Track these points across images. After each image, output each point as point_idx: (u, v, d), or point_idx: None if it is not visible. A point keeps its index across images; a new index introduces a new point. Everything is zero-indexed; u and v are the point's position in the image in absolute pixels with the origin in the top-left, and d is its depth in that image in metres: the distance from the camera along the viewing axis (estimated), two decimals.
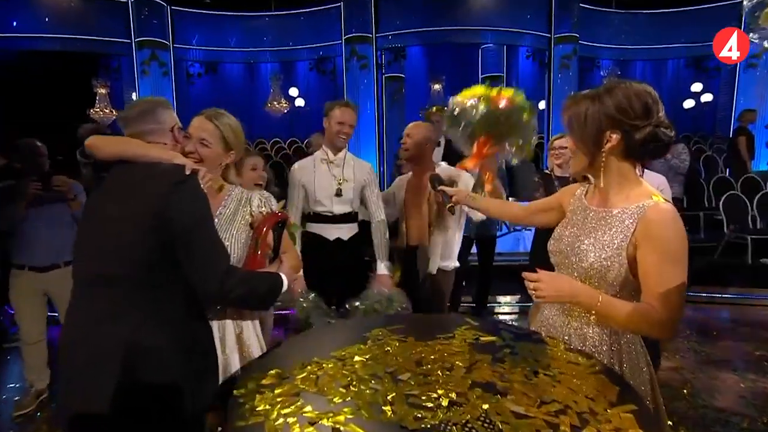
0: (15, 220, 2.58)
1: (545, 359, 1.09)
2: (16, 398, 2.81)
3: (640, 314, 1.08)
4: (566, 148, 2.63)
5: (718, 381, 2.93)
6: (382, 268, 2.45)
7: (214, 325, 1.43)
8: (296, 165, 2.54)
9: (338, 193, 2.42)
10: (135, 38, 7.07)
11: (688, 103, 10.10)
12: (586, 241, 1.18)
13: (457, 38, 7.67)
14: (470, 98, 1.88)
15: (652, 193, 1.13)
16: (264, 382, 1.02)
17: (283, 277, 1.37)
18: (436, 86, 10.13)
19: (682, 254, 1.07)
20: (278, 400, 0.94)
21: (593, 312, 1.14)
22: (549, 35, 7.54)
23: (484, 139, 1.87)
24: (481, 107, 1.83)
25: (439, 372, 1.03)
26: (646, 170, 2.76)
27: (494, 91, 1.87)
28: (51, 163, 2.72)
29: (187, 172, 1.21)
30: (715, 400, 2.69)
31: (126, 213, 1.16)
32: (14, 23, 6.73)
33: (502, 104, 1.83)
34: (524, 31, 7.54)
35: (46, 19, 6.83)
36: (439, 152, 4.28)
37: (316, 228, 2.49)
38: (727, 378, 2.96)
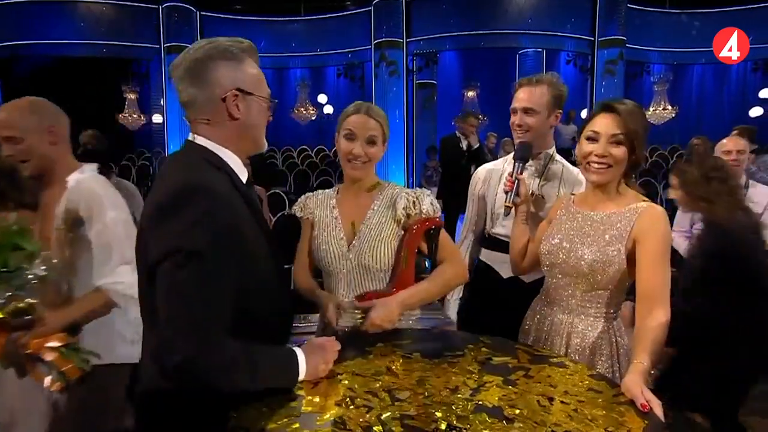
0: None
1: (564, 385, 1.02)
2: None
3: (661, 335, 1.20)
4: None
5: None
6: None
7: None
8: (481, 168, 1.91)
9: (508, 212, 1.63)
10: (164, 44, 7.42)
11: (755, 111, 9.49)
12: (585, 241, 1.33)
13: (493, 43, 7.62)
14: None
15: (642, 198, 1.34)
16: None
17: (300, 359, 0.99)
18: (470, 93, 10.07)
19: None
20: (262, 411, 0.93)
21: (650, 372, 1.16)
22: (592, 38, 7.36)
23: None
24: None
25: (441, 392, 0.98)
26: (752, 181, 2.63)
27: None
28: None
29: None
30: None
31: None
32: (51, 30, 7.21)
33: None
34: (566, 34, 7.40)
35: (81, 25, 7.29)
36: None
37: (487, 257, 1.86)
38: None
